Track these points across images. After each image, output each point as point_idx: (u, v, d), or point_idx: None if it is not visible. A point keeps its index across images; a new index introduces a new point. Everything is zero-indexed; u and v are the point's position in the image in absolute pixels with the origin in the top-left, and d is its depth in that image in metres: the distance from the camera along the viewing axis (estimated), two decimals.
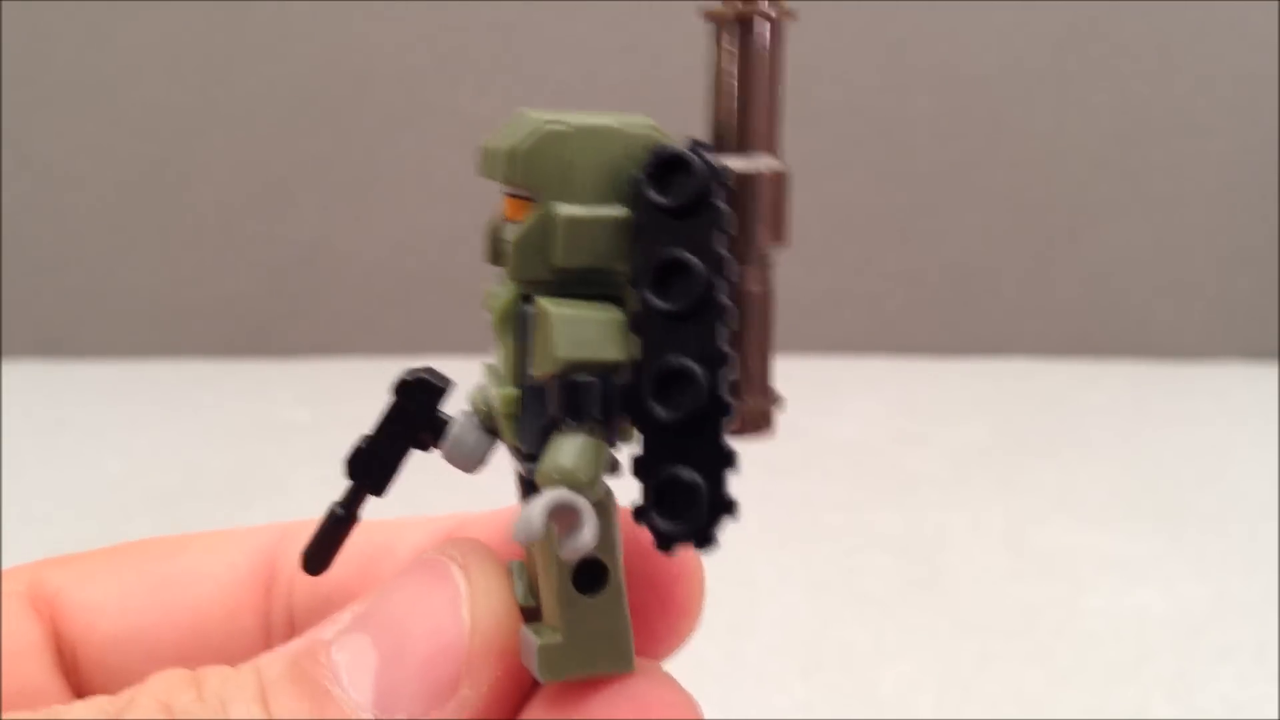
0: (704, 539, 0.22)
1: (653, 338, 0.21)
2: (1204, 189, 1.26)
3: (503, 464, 0.25)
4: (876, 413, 1.04)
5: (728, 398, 0.22)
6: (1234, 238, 1.27)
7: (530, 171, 0.22)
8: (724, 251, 0.22)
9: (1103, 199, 1.26)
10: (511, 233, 0.23)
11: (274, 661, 0.22)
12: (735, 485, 0.22)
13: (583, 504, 0.21)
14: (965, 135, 1.24)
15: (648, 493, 0.22)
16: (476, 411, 0.24)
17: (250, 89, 1.23)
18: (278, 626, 0.27)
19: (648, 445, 0.22)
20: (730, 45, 0.23)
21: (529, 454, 0.22)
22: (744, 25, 0.22)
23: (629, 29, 1.19)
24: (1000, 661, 0.61)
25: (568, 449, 0.21)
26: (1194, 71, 1.24)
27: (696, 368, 0.21)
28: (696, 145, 0.22)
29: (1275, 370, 1.18)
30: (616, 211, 0.22)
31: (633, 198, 0.22)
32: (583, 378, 0.21)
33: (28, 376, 1.15)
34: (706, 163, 0.21)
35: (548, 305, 0.22)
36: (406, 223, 1.25)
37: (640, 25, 1.19)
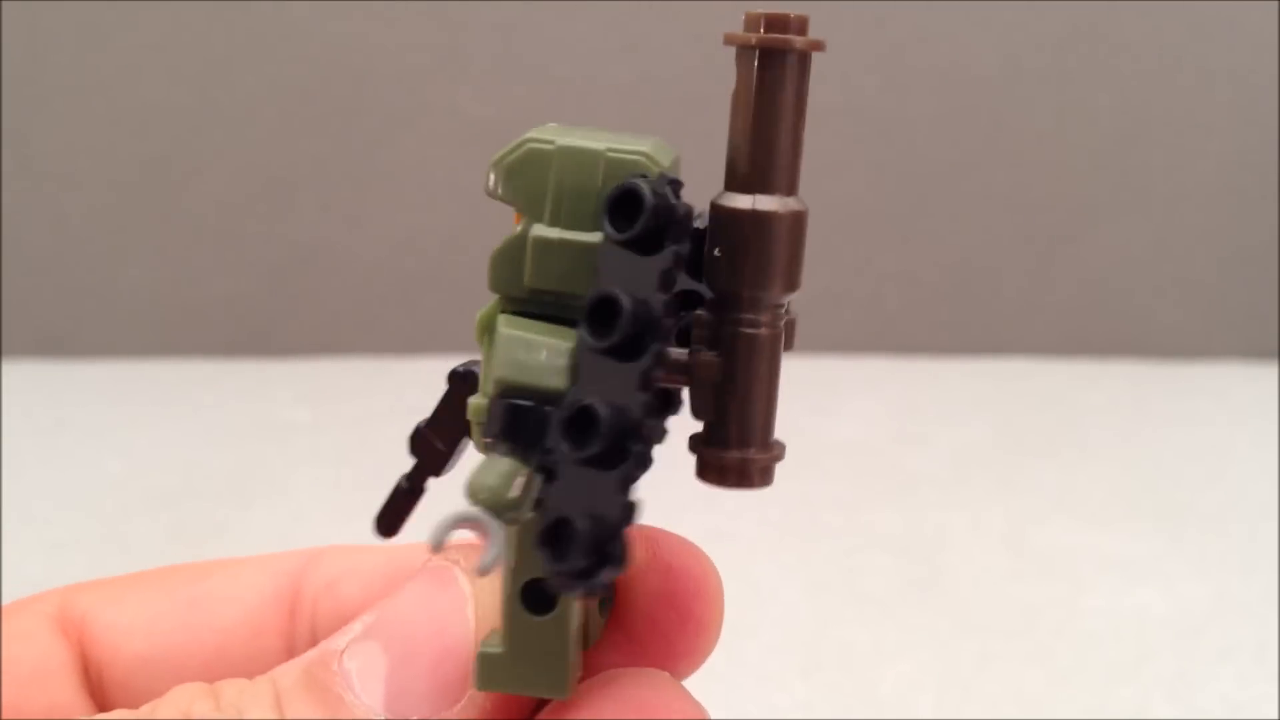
0: (580, 583, 0.20)
1: (579, 371, 0.20)
2: (1204, 189, 1.26)
3: None
4: (876, 413, 1.04)
5: (641, 447, 0.20)
6: (1234, 238, 1.27)
7: (510, 188, 0.22)
8: (661, 294, 0.20)
9: (1103, 199, 1.26)
10: None
11: (288, 671, 0.23)
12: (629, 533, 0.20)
13: (491, 524, 0.20)
14: (965, 135, 1.24)
15: (539, 525, 0.20)
16: None
17: (250, 89, 1.23)
18: (301, 648, 0.27)
19: (555, 478, 0.20)
20: (751, 75, 0.21)
21: None
22: (766, 55, 0.21)
23: (631, 29, 1.19)
24: (1000, 661, 0.61)
25: (493, 469, 0.21)
26: (1194, 71, 1.24)
27: (602, 410, 0.19)
28: (668, 182, 0.21)
29: (1275, 370, 1.18)
30: (591, 238, 0.21)
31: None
32: (523, 402, 0.21)
33: (28, 376, 1.15)
34: (661, 199, 0.20)
35: (501, 324, 0.22)
36: (406, 223, 1.25)
37: (642, 25, 1.19)
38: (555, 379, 0.21)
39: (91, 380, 1.15)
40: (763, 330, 0.22)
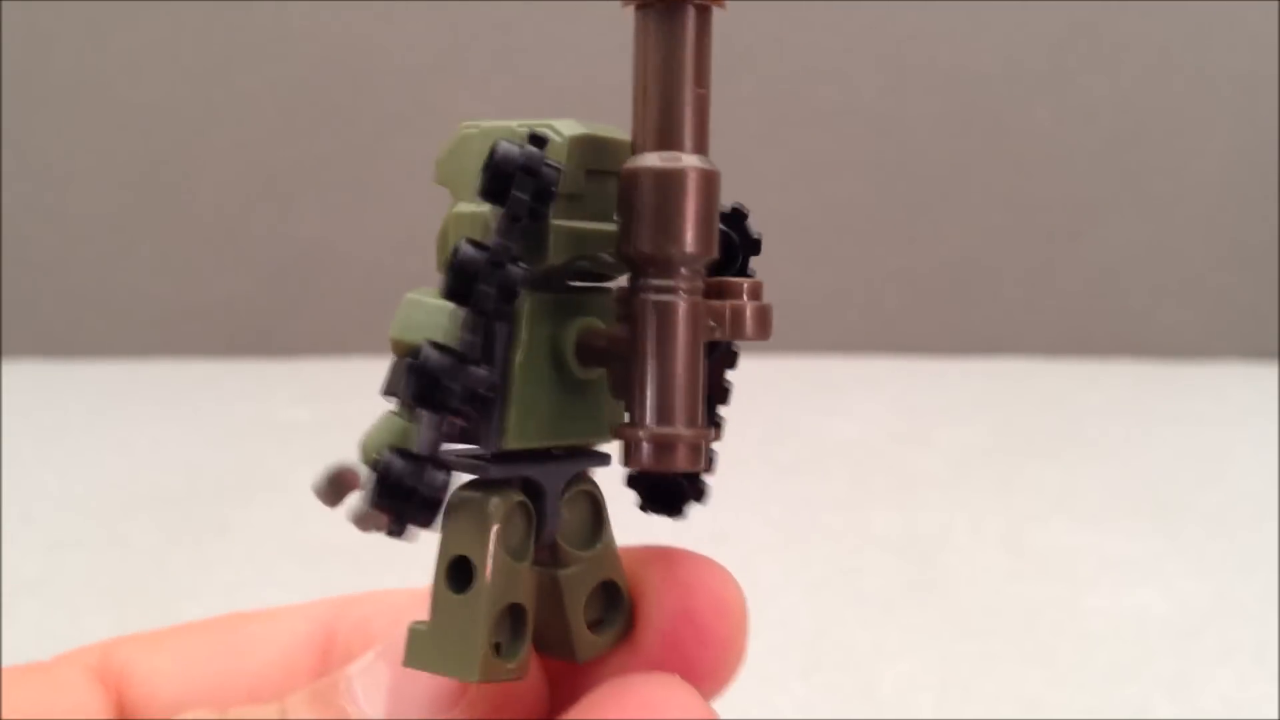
0: (389, 521, 0.21)
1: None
2: (1204, 189, 1.26)
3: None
4: (876, 413, 1.04)
5: (457, 385, 0.20)
6: (1234, 238, 1.27)
7: (442, 172, 0.23)
8: (504, 241, 0.20)
9: (1103, 199, 1.26)
10: None
11: (297, 694, 0.24)
12: (432, 478, 0.21)
13: (364, 472, 0.21)
14: (965, 135, 1.24)
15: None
16: None
17: (250, 89, 1.23)
18: None
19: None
20: (653, 32, 0.21)
21: None
22: (667, 9, 0.21)
23: (629, 29, 1.19)
24: (1000, 661, 0.61)
25: (384, 425, 0.22)
26: (1194, 71, 1.24)
27: (420, 356, 0.20)
28: (534, 137, 0.21)
29: (1275, 370, 1.18)
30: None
31: None
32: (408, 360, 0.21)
33: (28, 376, 1.15)
34: (505, 152, 0.20)
35: (410, 293, 0.22)
36: (406, 223, 1.25)
37: None
38: (435, 335, 0.21)
39: (91, 380, 1.15)
40: (673, 297, 0.21)
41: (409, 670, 0.22)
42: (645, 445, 0.21)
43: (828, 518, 0.80)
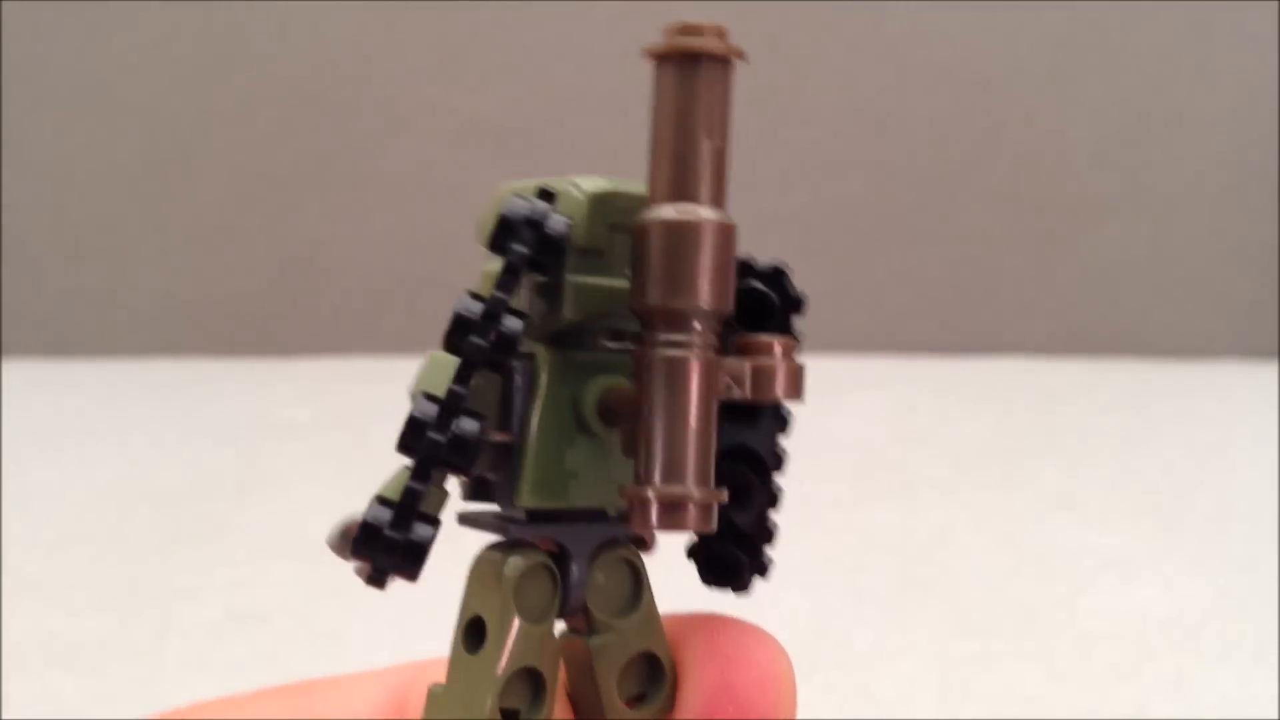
0: (374, 571, 0.21)
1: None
2: (1204, 189, 1.26)
3: None
4: (877, 413, 1.04)
5: (441, 436, 0.20)
6: (1234, 238, 1.27)
7: (482, 232, 0.23)
8: (499, 294, 0.20)
9: (1103, 199, 1.26)
10: None
11: None
12: (418, 530, 0.20)
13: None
14: (965, 135, 1.24)
15: None
16: None
17: (250, 89, 1.23)
18: None
19: None
20: (670, 84, 0.20)
21: None
22: (685, 61, 0.20)
23: (629, 29, 1.19)
24: (1000, 661, 0.61)
25: (400, 474, 0.21)
26: (1194, 71, 1.24)
27: (413, 410, 0.20)
28: (543, 192, 0.21)
29: (1275, 370, 1.18)
30: None
31: None
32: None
33: (28, 376, 1.15)
34: (511, 206, 0.20)
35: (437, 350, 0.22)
36: (406, 223, 1.25)
37: (641, 25, 1.19)
38: (438, 388, 0.21)
39: (91, 380, 1.15)
40: (685, 352, 0.20)
41: None
42: (653, 505, 0.20)
43: (828, 517, 0.80)
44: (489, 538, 0.22)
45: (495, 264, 0.21)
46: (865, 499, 0.84)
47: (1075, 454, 0.94)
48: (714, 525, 0.20)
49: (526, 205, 0.21)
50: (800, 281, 0.23)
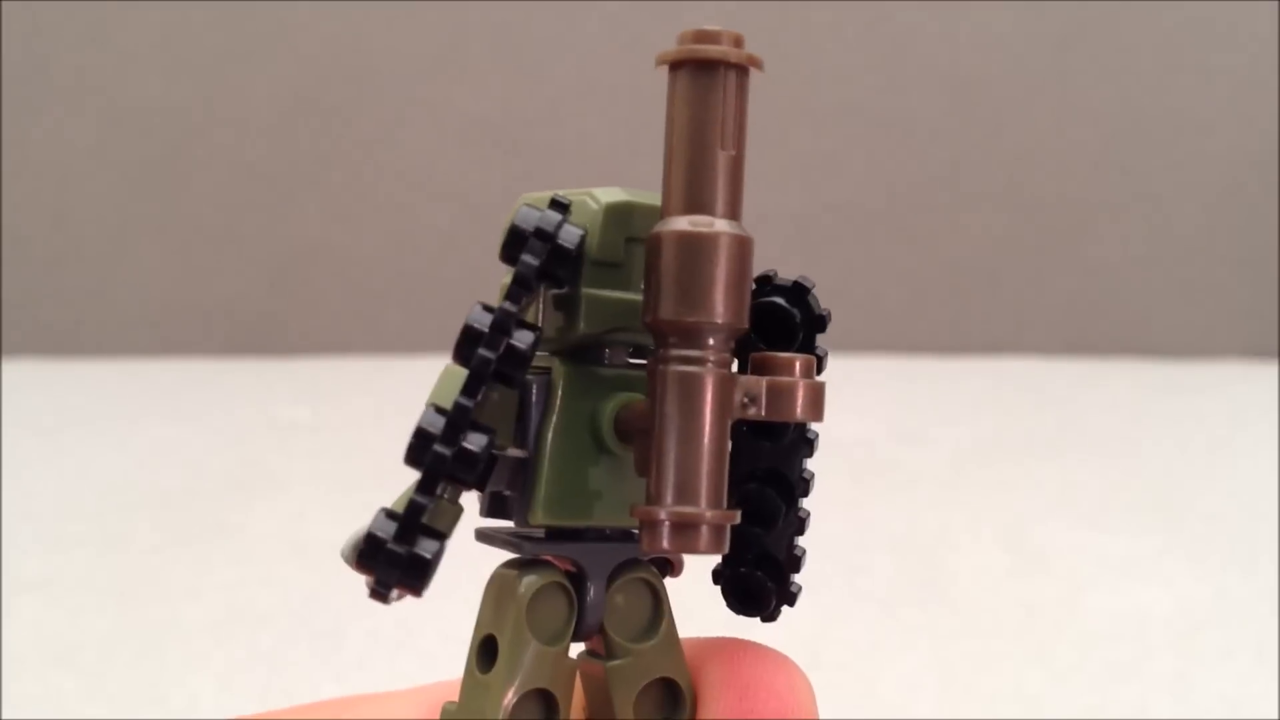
0: (378, 585, 0.20)
1: None
2: (1204, 189, 1.26)
3: None
4: (877, 412, 1.04)
5: (447, 450, 0.19)
6: (1234, 238, 1.27)
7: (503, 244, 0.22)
8: (509, 306, 0.20)
9: (1103, 199, 1.26)
10: None
11: None
12: (423, 546, 0.20)
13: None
14: (965, 135, 1.24)
15: None
16: None
17: (250, 89, 1.23)
18: None
19: None
20: (685, 92, 0.20)
21: None
22: (700, 69, 0.20)
23: (628, 29, 1.19)
24: (1000, 661, 0.61)
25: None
26: (1194, 71, 1.24)
27: (420, 422, 0.19)
28: (555, 203, 0.20)
29: (1275, 370, 1.18)
30: None
31: None
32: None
33: (28, 376, 1.15)
34: (522, 216, 0.20)
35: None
36: (406, 223, 1.26)
37: (641, 25, 1.19)
38: (443, 399, 0.20)
39: (91, 380, 1.15)
40: (699, 369, 0.19)
41: None
42: (664, 526, 0.19)
43: (828, 517, 0.80)
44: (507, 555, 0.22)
45: (510, 277, 0.21)
46: (865, 499, 0.84)
47: (1075, 453, 0.94)
48: (726, 547, 0.20)
49: (537, 215, 0.20)
50: (825, 309, 0.23)
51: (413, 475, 0.20)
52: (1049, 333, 1.26)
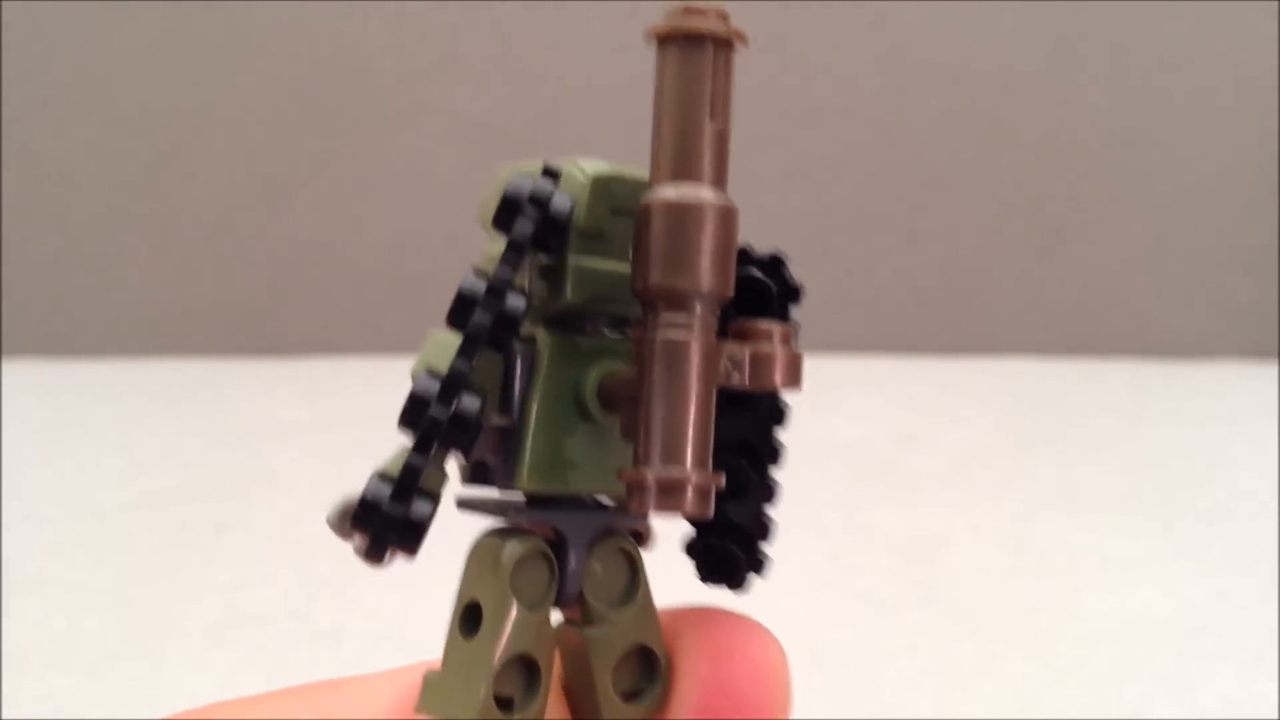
0: (373, 545, 0.20)
1: None
2: (1204, 189, 1.26)
3: None
4: (877, 412, 1.04)
5: (444, 412, 0.20)
6: (1234, 238, 1.27)
7: (483, 214, 0.23)
8: (504, 270, 0.20)
9: (1103, 199, 1.26)
10: None
11: None
12: (415, 507, 0.20)
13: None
14: (965, 135, 1.24)
15: None
16: None
17: (249, 89, 1.23)
18: None
19: None
20: (673, 65, 0.20)
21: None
22: (688, 42, 0.20)
23: (628, 29, 1.19)
24: (1000, 661, 0.61)
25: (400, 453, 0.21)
26: (1194, 71, 1.24)
27: (415, 386, 0.20)
28: (547, 170, 0.21)
29: (1275, 370, 1.18)
30: None
31: None
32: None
33: (28, 376, 1.15)
34: (515, 184, 0.20)
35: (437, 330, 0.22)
36: (406, 223, 1.26)
37: (640, 26, 1.19)
38: (432, 365, 0.21)
39: (91, 380, 1.15)
40: (685, 334, 0.20)
41: None
42: (650, 487, 0.20)
43: (828, 517, 0.80)
44: (486, 524, 0.22)
45: (496, 246, 0.21)
46: (865, 499, 0.84)
47: (1075, 454, 0.95)
48: (711, 510, 0.20)
49: (530, 183, 0.21)
50: (799, 280, 0.23)
51: (396, 444, 0.20)
52: (1049, 333, 1.26)
